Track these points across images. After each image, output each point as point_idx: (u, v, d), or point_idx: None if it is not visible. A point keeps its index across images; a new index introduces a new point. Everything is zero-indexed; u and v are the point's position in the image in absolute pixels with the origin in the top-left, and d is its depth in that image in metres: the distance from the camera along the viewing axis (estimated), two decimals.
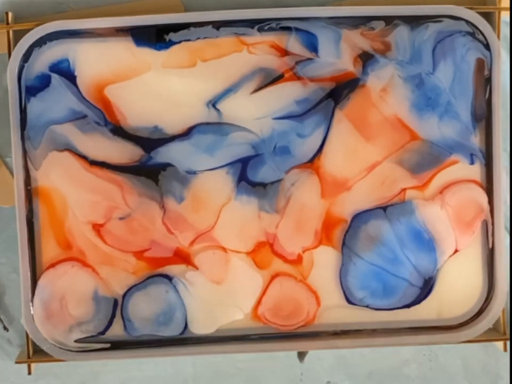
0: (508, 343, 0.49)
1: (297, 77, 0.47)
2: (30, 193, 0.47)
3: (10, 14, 0.47)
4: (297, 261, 0.48)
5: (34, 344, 0.48)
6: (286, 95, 0.47)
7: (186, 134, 0.47)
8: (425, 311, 0.49)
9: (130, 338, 0.48)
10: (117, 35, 0.47)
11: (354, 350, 0.51)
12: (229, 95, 0.47)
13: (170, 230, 0.48)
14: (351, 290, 0.48)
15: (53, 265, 0.48)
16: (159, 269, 0.48)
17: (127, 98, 0.47)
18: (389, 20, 0.47)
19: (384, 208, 0.48)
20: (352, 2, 0.49)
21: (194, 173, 0.48)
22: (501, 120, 0.48)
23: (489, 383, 0.53)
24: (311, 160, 0.48)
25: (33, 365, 0.49)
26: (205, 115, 0.47)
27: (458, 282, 0.49)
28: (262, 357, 0.52)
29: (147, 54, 0.47)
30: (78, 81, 0.47)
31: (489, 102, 0.48)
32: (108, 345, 0.48)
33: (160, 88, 0.47)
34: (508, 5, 0.48)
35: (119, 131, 0.47)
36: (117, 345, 0.48)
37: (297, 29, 0.47)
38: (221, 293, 0.48)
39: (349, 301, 0.49)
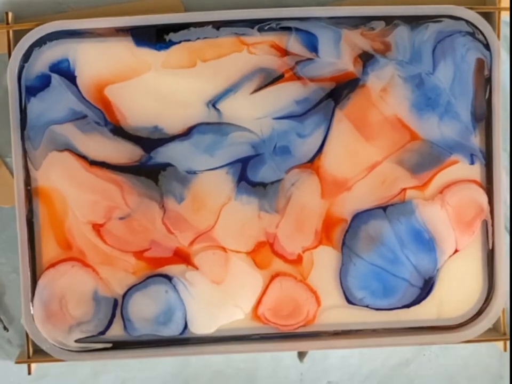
0: (508, 343, 0.49)
1: (297, 77, 0.47)
2: (30, 193, 0.47)
3: (10, 14, 0.47)
4: (297, 261, 0.48)
5: (34, 344, 0.48)
6: (286, 95, 0.47)
7: (186, 134, 0.47)
8: (425, 311, 0.49)
9: (130, 338, 0.48)
10: (117, 35, 0.47)
11: (354, 350, 0.51)
12: (229, 95, 0.47)
13: (170, 230, 0.48)
14: (351, 290, 0.48)
15: (53, 265, 0.48)
16: (159, 269, 0.48)
17: (127, 98, 0.47)
18: (389, 20, 0.47)
19: (384, 208, 0.48)
20: (352, 2, 0.49)
21: (194, 173, 0.48)
22: (501, 120, 0.48)
23: (489, 383, 0.53)
24: (311, 160, 0.48)
25: (33, 365, 0.49)
26: (205, 115, 0.47)
27: (458, 282, 0.49)
28: (262, 357, 0.52)
29: (147, 54, 0.47)
30: (78, 81, 0.47)
31: (489, 102, 0.48)
32: (110, 345, 0.48)
33: (160, 88, 0.47)
34: (508, 5, 0.48)
35: (119, 131, 0.47)
36: (117, 345, 0.48)
37: (297, 29, 0.47)
38: (221, 293, 0.48)
39: (349, 301, 0.49)
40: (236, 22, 0.47)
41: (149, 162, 0.47)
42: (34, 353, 0.48)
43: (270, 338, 0.49)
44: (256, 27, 0.47)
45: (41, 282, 0.47)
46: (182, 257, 0.48)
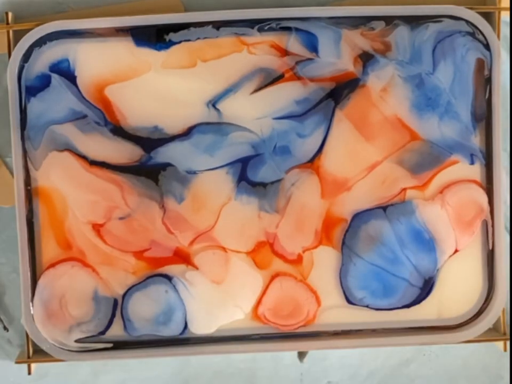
0: (508, 343, 0.49)
1: (297, 77, 0.47)
2: (30, 193, 0.47)
3: (10, 14, 0.47)
4: (297, 260, 0.48)
5: (34, 344, 0.48)
6: (286, 95, 0.47)
7: (186, 134, 0.47)
8: (425, 311, 0.49)
9: (130, 338, 0.48)
10: (117, 35, 0.47)
11: (354, 350, 0.51)
12: (229, 95, 0.47)
13: (170, 230, 0.48)
14: (351, 290, 0.48)
15: (53, 265, 0.48)
16: (159, 269, 0.48)
17: (127, 98, 0.47)
18: (389, 20, 0.47)
19: (384, 208, 0.48)
20: (352, 2, 0.49)
21: (194, 173, 0.48)
22: (501, 120, 0.48)
23: (489, 383, 0.53)
24: (311, 160, 0.48)
25: (33, 365, 0.49)
26: (205, 115, 0.47)
27: (458, 282, 0.49)
28: (262, 357, 0.52)
29: (147, 54, 0.47)
30: (78, 81, 0.47)
31: (489, 102, 0.48)
32: (110, 345, 0.48)
33: (160, 88, 0.47)
34: (508, 5, 0.48)
35: (119, 131, 0.47)
36: (117, 345, 0.48)
37: (297, 29, 0.47)
38: (221, 293, 0.48)
39: (349, 301, 0.49)
40: (236, 22, 0.47)
41: (149, 162, 0.47)
42: (34, 353, 0.48)
43: (270, 338, 0.49)
44: (256, 27, 0.47)
45: (41, 282, 0.47)
46: (182, 257, 0.48)
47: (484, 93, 0.48)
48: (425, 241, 0.48)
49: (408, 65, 0.47)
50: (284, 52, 0.47)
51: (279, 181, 0.48)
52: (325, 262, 0.48)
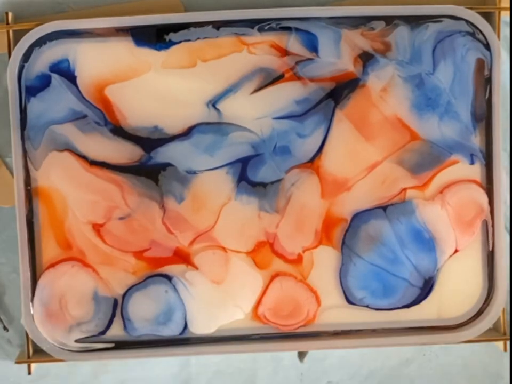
0: (508, 343, 0.49)
1: (297, 77, 0.47)
2: (30, 193, 0.47)
3: (10, 14, 0.47)
4: (297, 260, 0.48)
5: (34, 344, 0.48)
6: (286, 95, 0.47)
7: (186, 134, 0.47)
8: (425, 311, 0.49)
9: (130, 338, 0.48)
10: (117, 35, 0.47)
11: (354, 350, 0.51)
12: (229, 95, 0.47)
13: (170, 230, 0.48)
14: (351, 290, 0.48)
15: (53, 265, 0.48)
16: (159, 269, 0.48)
17: (127, 98, 0.47)
18: (389, 20, 0.47)
19: (384, 208, 0.48)
20: (352, 2, 0.49)
21: (194, 173, 0.48)
22: (501, 120, 0.48)
23: (489, 383, 0.53)
24: (311, 160, 0.48)
25: (33, 365, 0.49)
26: (205, 115, 0.47)
27: (458, 282, 0.49)
28: (262, 357, 0.52)
29: (147, 54, 0.47)
30: (78, 81, 0.47)
31: (489, 102, 0.48)
32: (112, 345, 0.48)
33: (160, 88, 0.47)
34: (508, 5, 0.48)
35: (119, 131, 0.47)
36: (117, 345, 0.48)
37: (297, 29, 0.47)
38: (221, 293, 0.48)
39: (349, 301, 0.49)
40: (236, 22, 0.47)
41: (149, 162, 0.47)
42: (34, 353, 0.48)
43: (270, 338, 0.49)
44: (256, 27, 0.47)
45: (41, 282, 0.47)
46: (182, 257, 0.48)
47: (484, 93, 0.48)
48: (425, 241, 0.48)
49: (408, 65, 0.47)
50: (284, 52, 0.47)
51: (279, 181, 0.48)
52: (325, 262, 0.48)
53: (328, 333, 0.49)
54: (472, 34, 0.47)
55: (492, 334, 0.50)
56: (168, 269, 0.48)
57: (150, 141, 0.47)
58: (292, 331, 0.49)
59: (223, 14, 0.47)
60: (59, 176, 0.47)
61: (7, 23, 0.47)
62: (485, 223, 0.49)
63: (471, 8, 0.47)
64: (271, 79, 0.47)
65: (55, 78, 0.47)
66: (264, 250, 0.48)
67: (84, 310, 0.48)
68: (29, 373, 0.48)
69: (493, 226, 0.48)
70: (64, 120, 0.47)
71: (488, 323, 0.48)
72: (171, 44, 0.47)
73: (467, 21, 0.47)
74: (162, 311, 0.48)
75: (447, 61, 0.47)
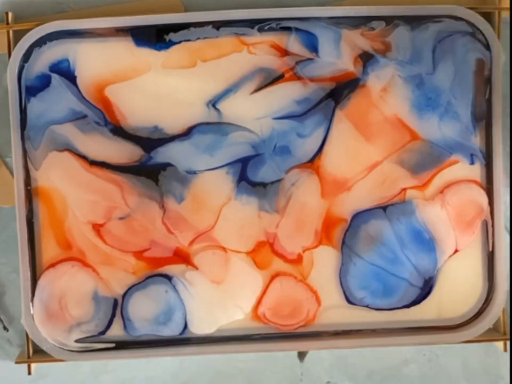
0: (508, 343, 0.49)
1: (298, 77, 0.47)
2: (30, 193, 0.47)
3: (10, 14, 0.47)
4: (297, 260, 0.48)
5: (34, 344, 0.48)
6: (286, 95, 0.47)
7: (186, 134, 0.47)
8: (425, 311, 0.49)
9: (130, 338, 0.48)
10: (117, 35, 0.47)
11: (354, 350, 0.51)
12: (229, 95, 0.47)
13: (170, 230, 0.48)
14: (351, 290, 0.48)
15: (53, 265, 0.48)
16: (159, 269, 0.48)
17: (127, 98, 0.47)
18: (389, 20, 0.47)
19: (384, 208, 0.48)
20: (352, 2, 0.49)
21: (194, 173, 0.48)
22: (501, 120, 0.48)
23: (489, 383, 0.53)
24: (311, 160, 0.48)
25: (33, 365, 0.49)
26: (205, 115, 0.47)
27: (458, 282, 0.49)
28: (262, 357, 0.52)
29: (147, 54, 0.47)
30: (78, 81, 0.47)
31: (489, 102, 0.48)
32: (113, 345, 0.48)
33: (160, 88, 0.47)
34: (508, 5, 0.48)
35: (119, 131, 0.47)
36: (117, 345, 0.48)
37: (297, 29, 0.47)
38: (221, 293, 0.48)
39: (349, 301, 0.49)
40: (236, 22, 0.47)
41: (149, 162, 0.47)
42: (34, 353, 0.48)
43: (270, 338, 0.49)
44: (256, 27, 0.47)
45: (41, 282, 0.47)
46: (182, 257, 0.48)
47: (484, 93, 0.48)
48: (425, 241, 0.48)
49: (408, 65, 0.47)
50: (284, 52, 0.47)
51: (279, 181, 0.48)
52: (325, 262, 0.48)
53: (328, 333, 0.49)
54: (472, 35, 0.47)
55: (492, 334, 0.50)
56: (168, 269, 0.48)
57: (150, 141, 0.47)
58: (292, 331, 0.49)
59: (223, 14, 0.47)
60: (59, 176, 0.47)
61: (7, 23, 0.47)
62: (485, 223, 0.49)
63: (471, 8, 0.47)
64: (271, 79, 0.47)
65: (55, 78, 0.47)
66: (264, 250, 0.48)
67: (84, 310, 0.48)
68: (29, 373, 0.48)
69: (493, 226, 0.48)
70: (64, 120, 0.47)
71: (488, 323, 0.48)
72: (171, 44, 0.47)
73: (467, 21, 0.47)
74: (162, 311, 0.48)
75: (447, 61, 0.47)
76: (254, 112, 0.47)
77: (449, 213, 0.48)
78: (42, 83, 0.47)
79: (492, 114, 0.48)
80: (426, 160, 0.48)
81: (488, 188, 0.48)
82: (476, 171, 0.48)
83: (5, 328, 0.51)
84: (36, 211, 0.47)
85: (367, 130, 0.48)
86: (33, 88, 0.47)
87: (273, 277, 0.48)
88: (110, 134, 0.47)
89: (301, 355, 0.52)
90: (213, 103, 0.47)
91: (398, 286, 0.48)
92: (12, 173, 0.49)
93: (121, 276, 0.48)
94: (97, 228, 0.48)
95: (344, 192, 0.48)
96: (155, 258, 0.48)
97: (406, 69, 0.47)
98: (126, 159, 0.47)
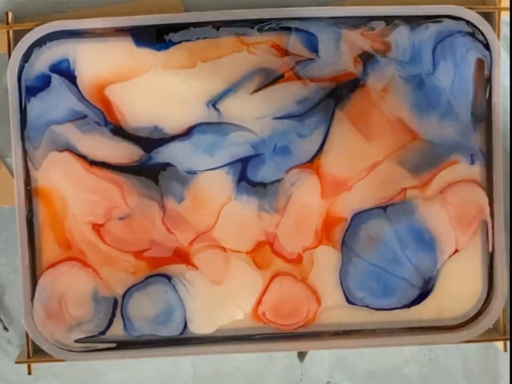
0: (508, 343, 0.49)
1: (298, 77, 0.47)
2: (30, 193, 0.47)
3: (10, 14, 0.47)
4: (297, 260, 0.48)
5: (34, 344, 0.48)
6: (286, 95, 0.47)
7: (186, 134, 0.47)
8: (425, 311, 0.49)
9: (131, 338, 0.48)
10: (117, 35, 0.47)
11: (354, 350, 0.51)
12: (229, 95, 0.47)
13: (170, 229, 0.48)
14: (351, 290, 0.48)
15: (53, 265, 0.48)
16: (159, 269, 0.48)
17: (127, 98, 0.47)
18: (389, 20, 0.47)
19: (384, 208, 0.48)
20: (352, 2, 0.49)
21: (194, 172, 0.48)
22: (501, 120, 0.48)
23: (489, 383, 0.53)
24: (311, 160, 0.48)
25: (33, 365, 0.49)
26: (205, 115, 0.47)
27: (458, 282, 0.49)
28: (262, 357, 0.52)
29: (147, 54, 0.47)
30: (78, 81, 0.47)
31: (489, 102, 0.48)
32: (114, 345, 0.48)
33: (160, 88, 0.47)
34: (508, 5, 0.48)
35: (119, 131, 0.47)
36: (117, 345, 0.48)
37: (297, 29, 0.47)
38: (221, 293, 0.48)
39: (349, 301, 0.49)
40: (236, 22, 0.47)
41: (149, 162, 0.47)
42: (34, 353, 0.48)
43: (270, 338, 0.49)
44: (256, 27, 0.47)
45: (41, 282, 0.47)
46: (182, 257, 0.48)
47: (484, 93, 0.48)
48: (425, 241, 0.48)
49: (408, 65, 0.47)
50: (284, 52, 0.47)
51: (279, 181, 0.48)
52: (325, 262, 0.48)
53: (328, 333, 0.49)
54: (472, 34, 0.47)
55: (492, 334, 0.50)
56: (168, 269, 0.48)
57: (150, 141, 0.47)
58: (292, 331, 0.49)
59: (223, 14, 0.47)
60: (59, 176, 0.47)
61: (7, 23, 0.47)
62: (485, 223, 0.49)
63: (471, 8, 0.47)
64: (271, 79, 0.47)
65: (55, 78, 0.47)
66: (264, 250, 0.48)
67: (84, 310, 0.48)
68: (29, 373, 0.48)
69: (493, 226, 0.48)
70: (64, 120, 0.47)
71: (488, 323, 0.48)
72: (171, 44, 0.47)
73: (467, 21, 0.47)
74: (162, 311, 0.48)
75: (447, 61, 0.47)
76: (254, 112, 0.47)
77: (449, 213, 0.48)
78: (42, 83, 0.47)
79: (492, 114, 0.48)
80: (426, 160, 0.48)
81: (488, 188, 0.48)
82: (475, 171, 0.48)
83: (5, 328, 0.51)
84: (36, 211, 0.47)
85: (367, 130, 0.48)
86: (33, 88, 0.47)
87: (273, 277, 0.48)
88: (110, 134, 0.47)
89: (301, 355, 0.52)
90: (213, 103, 0.47)
91: (398, 286, 0.48)
92: (12, 173, 0.49)
93: (121, 275, 0.48)
94: (97, 228, 0.48)
95: (344, 192, 0.48)
96: (155, 258, 0.48)
97: (406, 69, 0.47)
98: (126, 159, 0.47)
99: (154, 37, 0.47)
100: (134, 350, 0.48)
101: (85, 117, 0.47)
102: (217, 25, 0.47)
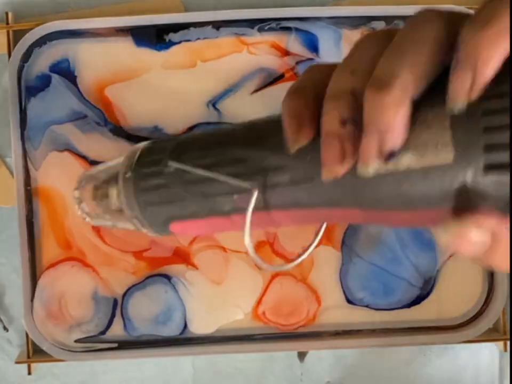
0: (508, 343, 0.49)
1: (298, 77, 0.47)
2: (30, 193, 0.47)
3: (10, 14, 0.47)
4: None
5: (34, 344, 0.48)
6: None
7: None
8: (425, 311, 0.49)
9: (131, 338, 0.48)
10: (117, 35, 0.47)
11: (354, 350, 0.51)
12: (229, 95, 0.47)
13: None
14: (351, 290, 0.48)
15: (53, 265, 0.48)
16: (159, 269, 0.48)
17: (127, 98, 0.47)
18: (389, 20, 0.47)
19: None
20: (352, 2, 0.49)
21: None
22: None
23: (489, 383, 0.53)
24: None
25: (33, 365, 0.49)
26: (205, 115, 0.47)
27: (458, 282, 0.49)
28: (262, 357, 0.52)
29: (147, 54, 0.47)
30: (78, 81, 0.47)
31: None
32: (115, 345, 0.48)
33: (160, 88, 0.47)
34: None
35: (119, 131, 0.47)
36: (117, 345, 0.48)
37: (297, 29, 0.47)
38: (221, 293, 0.48)
39: (349, 301, 0.49)
40: (236, 22, 0.47)
41: None
42: (34, 353, 0.48)
43: (270, 338, 0.49)
44: (256, 27, 0.47)
45: (41, 282, 0.47)
46: (182, 257, 0.48)
47: None
48: (425, 241, 0.48)
49: None
50: (284, 52, 0.47)
51: None
52: (325, 262, 0.48)
53: (328, 333, 0.49)
54: None
55: (492, 334, 0.50)
56: (168, 269, 0.48)
57: None
58: (292, 331, 0.49)
59: (223, 14, 0.47)
60: (59, 176, 0.47)
61: (7, 23, 0.47)
62: None
63: (471, 8, 0.47)
64: (271, 79, 0.47)
65: (55, 78, 0.47)
66: (264, 250, 0.48)
67: (84, 310, 0.48)
68: (29, 373, 0.48)
69: None
70: (64, 120, 0.47)
71: (488, 323, 0.48)
72: (171, 44, 0.47)
73: None
74: (162, 311, 0.48)
75: None
76: (254, 112, 0.47)
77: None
78: (42, 83, 0.47)
79: None
80: None
81: None
82: None
83: (5, 328, 0.51)
84: (36, 211, 0.47)
85: None
86: (33, 88, 0.47)
87: (273, 277, 0.48)
88: (110, 134, 0.47)
89: (301, 355, 0.52)
90: (213, 103, 0.47)
91: (398, 286, 0.48)
92: (12, 173, 0.49)
93: (121, 276, 0.48)
94: (97, 228, 0.48)
95: None
96: (155, 258, 0.48)
97: None
98: None
99: (154, 37, 0.47)
100: (134, 350, 0.48)
101: (85, 117, 0.47)
102: (217, 25, 0.47)
